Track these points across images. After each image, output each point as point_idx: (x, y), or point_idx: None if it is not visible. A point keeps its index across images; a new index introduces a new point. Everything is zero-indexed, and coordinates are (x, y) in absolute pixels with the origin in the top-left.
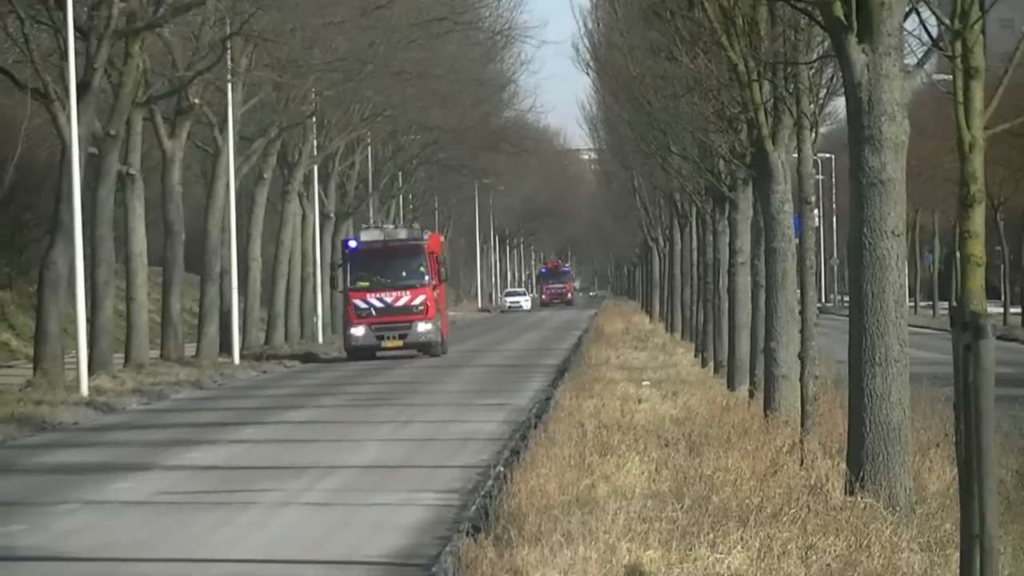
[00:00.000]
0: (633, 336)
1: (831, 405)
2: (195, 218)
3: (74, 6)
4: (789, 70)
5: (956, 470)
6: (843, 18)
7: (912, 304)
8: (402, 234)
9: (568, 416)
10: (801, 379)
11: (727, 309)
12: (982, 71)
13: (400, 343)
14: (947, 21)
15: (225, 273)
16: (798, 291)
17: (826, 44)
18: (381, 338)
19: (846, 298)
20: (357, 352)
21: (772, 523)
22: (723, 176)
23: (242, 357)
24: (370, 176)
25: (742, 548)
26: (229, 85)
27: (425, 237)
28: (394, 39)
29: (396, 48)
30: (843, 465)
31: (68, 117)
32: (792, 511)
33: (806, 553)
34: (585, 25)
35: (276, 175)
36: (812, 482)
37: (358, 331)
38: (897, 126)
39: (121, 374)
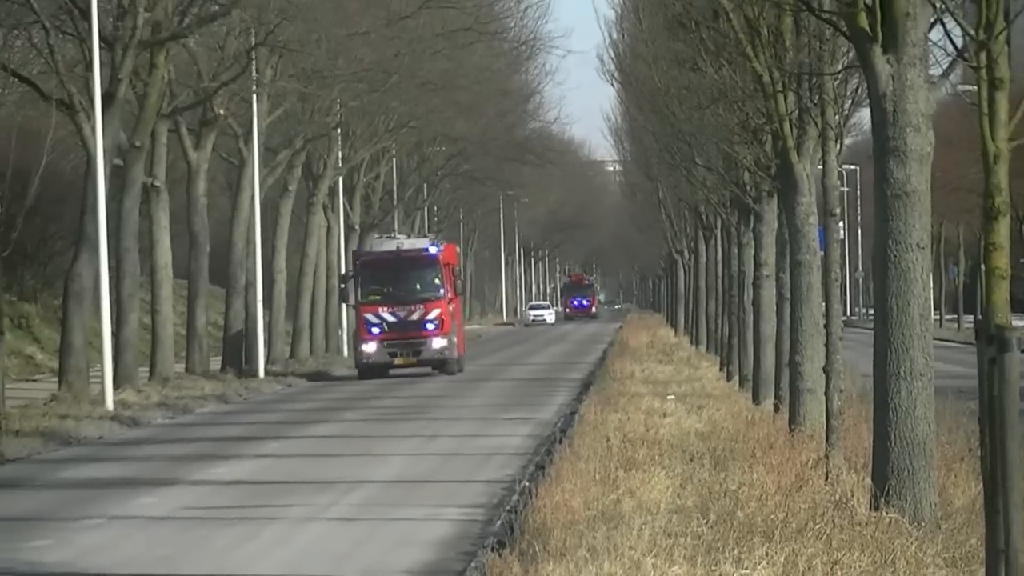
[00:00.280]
0: (658, 350)
1: (856, 419)
2: (220, 230)
3: (99, 16)
4: (814, 81)
5: (981, 485)
6: (868, 29)
7: (937, 317)
8: (416, 244)
9: (593, 430)
10: (826, 393)
11: (752, 322)
12: (1007, 82)
13: (414, 360)
14: (972, 32)
15: (250, 286)
16: (823, 304)
17: (851, 55)
18: (394, 355)
19: (871, 311)
20: (369, 370)
21: (797, 538)
22: (748, 188)
23: (266, 372)
24: (395, 188)
25: (767, 564)
26: (254, 96)
27: (440, 248)
28: (419, 50)
29: (421, 59)
30: (868, 480)
31: (93, 128)
32: (817, 526)
33: (831, 569)
34: (610, 35)
35: (301, 187)
36: (837, 497)
37: (369, 347)
38: (922, 137)
39: (146, 388)
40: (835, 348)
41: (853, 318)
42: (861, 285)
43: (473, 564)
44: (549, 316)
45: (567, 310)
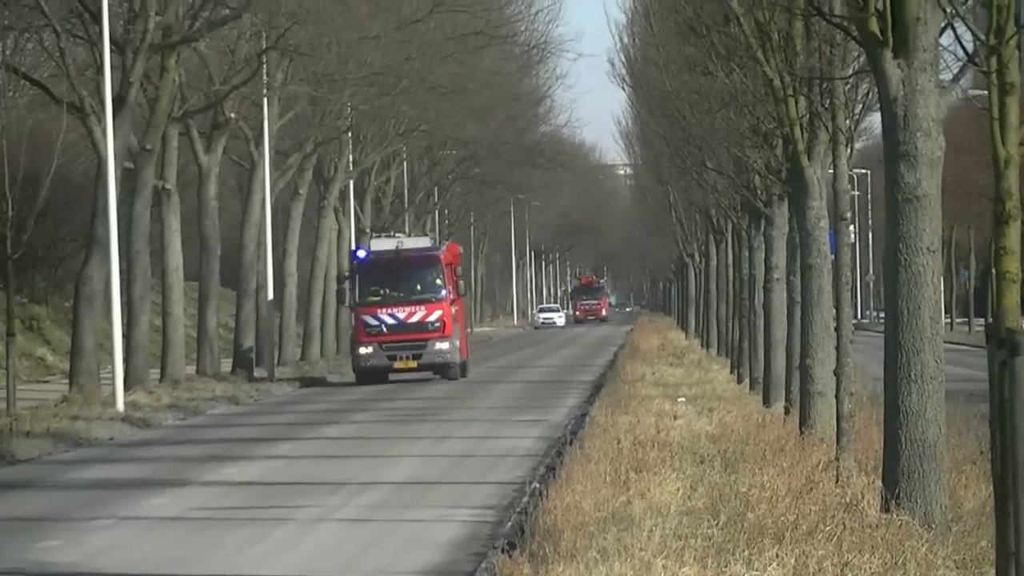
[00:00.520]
0: (669, 352)
1: (867, 422)
2: (231, 233)
3: (110, 20)
4: (824, 85)
5: (992, 487)
6: (879, 33)
7: (948, 321)
8: (416, 243)
9: (604, 432)
10: (837, 396)
11: (763, 325)
12: (1017, 87)
13: (414, 364)
14: (982, 36)
15: (261, 288)
16: (833, 307)
17: (861, 59)
18: (393, 359)
19: (881, 314)
20: (366, 374)
21: (807, 540)
22: (759, 192)
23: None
24: (406, 191)
25: (777, 566)
26: (265, 99)
27: (442, 247)
28: (430, 53)
29: (432, 63)
30: (879, 482)
31: (104, 131)
32: (827, 528)
33: (842, 571)
34: (621, 39)
35: (312, 190)
36: (847, 499)
37: (367, 351)
38: (932, 142)
39: (157, 389)
40: (846, 351)
41: (864, 321)
42: (872, 288)
43: (484, 565)
44: (559, 319)
45: (577, 313)
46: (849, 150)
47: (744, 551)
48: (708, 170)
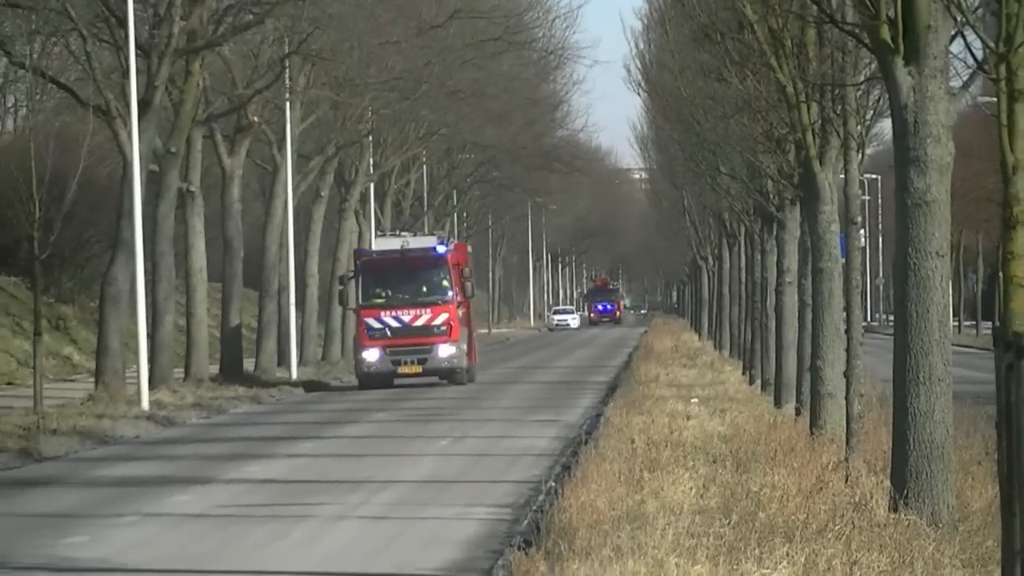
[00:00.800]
0: (682, 354)
1: (876, 423)
2: (254, 235)
3: (135, 25)
4: (836, 92)
5: (998, 487)
6: (890, 41)
7: (955, 324)
8: (422, 243)
9: (618, 432)
10: (847, 397)
11: (774, 328)
12: None
13: (419, 369)
14: (992, 44)
15: (283, 289)
16: (844, 310)
17: (873, 66)
18: (397, 363)
19: (891, 317)
20: (370, 379)
21: (817, 539)
22: (771, 196)
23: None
24: (425, 194)
25: (788, 564)
26: (287, 103)
27: (449, 246)
28: (449, 59)
29: (451, 68)
30: (887, 482)
31: (129, 134)
32: (837, 527)
33: (851, 569)
34: (636, 46)
35: (333, 193)
36: (857, 499)
37: (371, 355)
38: (942, 148)
39: (181, 388)
40: (855, 353)
41: (873, 324)
42: (881, 292)
43: (500, 563)
44: (573, 321)
45: (592, 315)
46: (860, 155)
47: (755, 549)
48: (722, 175)
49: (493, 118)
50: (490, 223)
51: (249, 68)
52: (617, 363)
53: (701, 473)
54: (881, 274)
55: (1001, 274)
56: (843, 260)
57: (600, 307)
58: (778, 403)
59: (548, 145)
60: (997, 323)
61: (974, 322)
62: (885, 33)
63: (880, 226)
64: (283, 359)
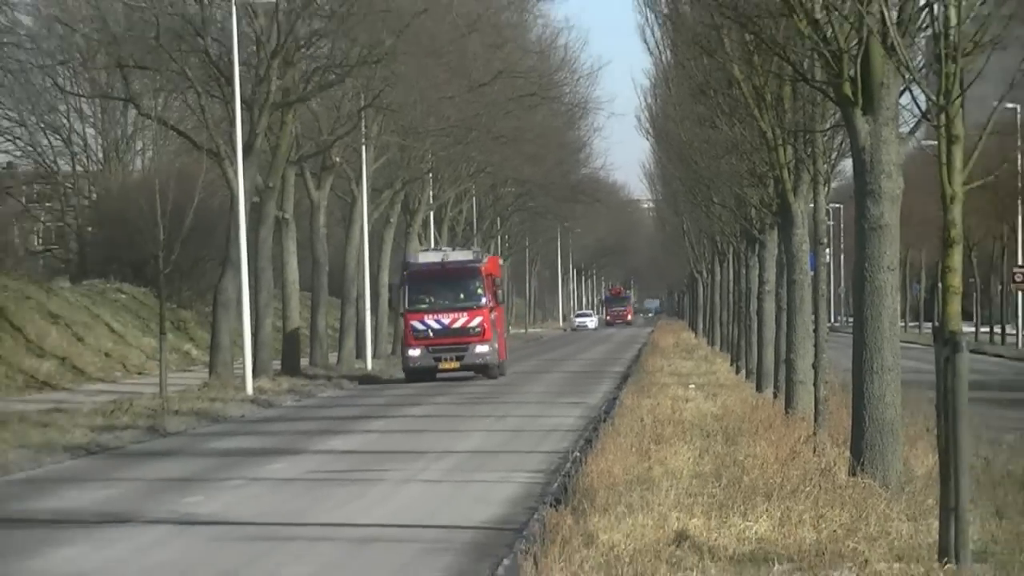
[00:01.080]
0: (682, 349)
1: (838, 405)
2: (336, 253)
3: (240, 83)
4: (807, 137)
5: (937, 457)
6: (851, 95)
7: (903, 324)
8: (460, 256)
9: (630, 412)
10: (815, 384)
11: (756, 328)
12: (961, 138)
13: (457, 364)
14: (934, 98)
15: (360, 297)
16: (812, 314)
17: (837, 116)
18: (438, 359)
19: (850, 319)
20: (415, 373)
21: (791, 498)
22: (754, 222)
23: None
24: (474, 220)
25: (767, 518)
26: (363, 147)
27: (484, 259)
28: (494, 110)
29: (495, 117)
30: (847, 453)
31: (236, 173)
32: (807, 489)
33: (817, 522)
34: (645, 100)
35: (400, 219)
36: (822, 466)
37: (415, 352)
38: (893, 182)
39: (278, 378)
40: (822, 348)
41: (836, 325)
42: (843, 298)
43: (536, 517)
44: (591, 322)
45: (607, 319)
46: (826, 189)
47: (741, 506)
48: (714, 204)
49: (529, 159)
50: (527, 243)
51: (332, 118)
52: (629, 356)
53: (697, 445)
54: (843, 284)
55: (940, 284)
56: (812, 273)
57: (614, 312)
58: (759, 388)
59: (574, 181)
60: (936, 324)
61: (918, 323)
62: (847, 89)
63: (842, 246)
64: (360, 354)
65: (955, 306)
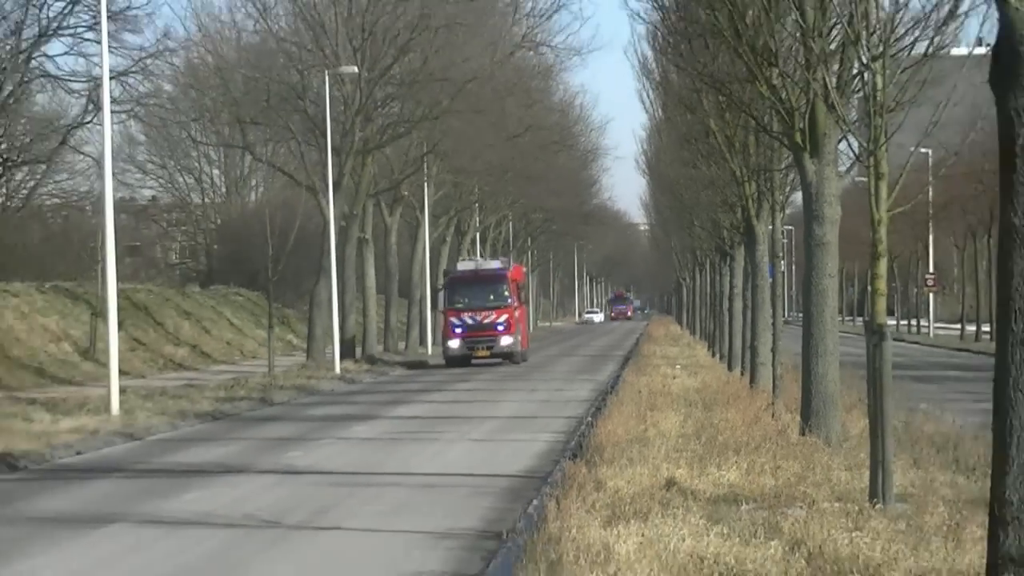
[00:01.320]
0: (670, 338)
1: (791, 381)
2: (404, 264)
3: (331, 134)
4: (767, 175)
5: (867, 421)
6: (801, 143)
7: (841, 319)
8: (490, 265)
9: (630, 387)
10: (772, 365)
11: (727, 321)
12: (886, 175)
13: (487, 352)
14: (865, 144)
15: (423, 299)
16: (771, 311)
17: (790, 159)
18: (472, 349)
19: (800, 315)
20: (453, 360)
21: (754, 452)
22: (726, 240)
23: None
24: (511, 240)
25: (736, 468)
26: (425, 184)
27: (510, 267)
28: (525, 155)
29: (526, 161)
30: (798, 418)
31: (327, 204)
32: (767, 446)
33: (775, 471)
34: (642, 147)
35: (453, 239)
36: (779, 428)
37: (454, 343)
38: (834, 209)
39: (360, 360)
40: (778, 337)
41: (788, 319)
42: (794, 299)
43: (558, 467)
44: (597, 318)
45: (612, 315)
46: (782, 215)
47: (716, 459)
48: (695, 227)
49: (553, 192)
50: (550, 257)
51: (401, 162)
52: (629, 344)
53: (682, 412)
54: (794, 288)
55: (869, 287)
56: (771, 280)
57: (617, 310)
58: (730, 368)
59: (586, 209)
60: (866, 318)
61: (852, 318)
62: (798, 138)
63: (794, 259)
64: (422, 342)
65: (881, 304)
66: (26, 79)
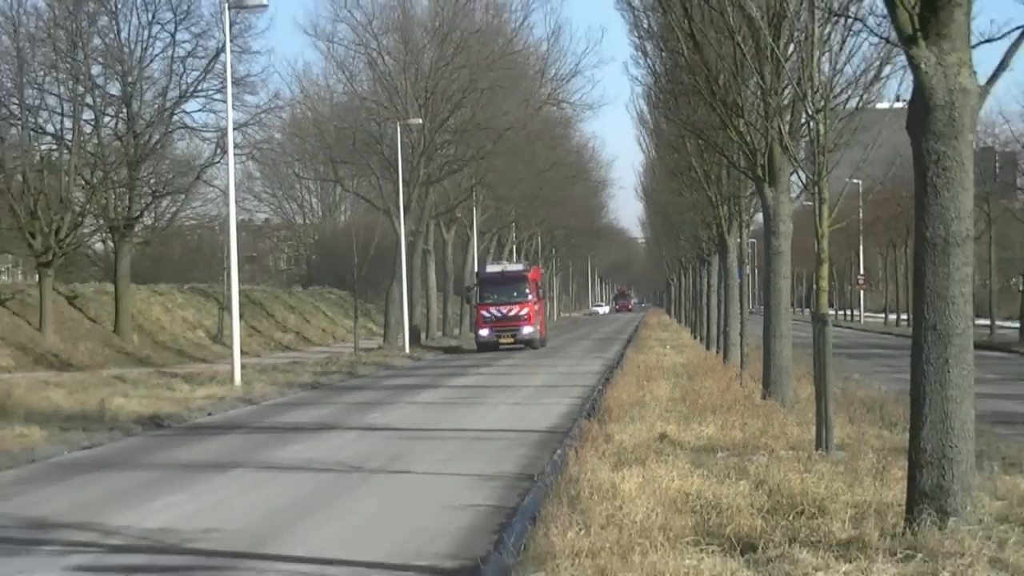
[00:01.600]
0: (662, 326)
1: (755, 358)
2: (458, 270)
3: (402, 170)
4: (736, 200)
5: (813, 387)
6: (762, 176)
7: (793, 310)
8: (514, 267)
9: (631, 362)
10: (740, 345)
11: (706, 312)
12: (828, 200)
13: (512, 340)
14: (811, 176)
15: (473, 296)
16: (739, 303)
17: (753, 188)
18: (499, 336)
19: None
20: (484, 345)
21: (727, 413)
22: (705, 250)
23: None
24: (539, 251)
25: (712, 424)
26: (474, 208)
27: (530, 269)
28: (551, 186)
29: (551, 190)
30: (761, 386)
31: (399, 224)
32: (737, 407)
33: (743, 427)
34: (640, 179)
35: (495, 250)
36: (746, 394)
37: (484, 332)
38: (787, 226)
39: (424, 343)
40: (744, 324)
41: (752, 310)
42: (757, 295)
43: (576, 425)
44: (602, 310)
45: (616, 308)
46: (747, 231)
47: (697, 418)
48: (680, 240)
49: (572, 213)
50: (570, 264)
51: (455, 191)
52: (630, 330)
53: (671, 382)
54: (756, 286)
55: (814, 286)
56: (739, 280)
57: (620, 303)
58: (708, 348)
59: (597, 227)
60: (812, 309)
61: (801, 309)
62: (759, 172)
63: (757, 264)
64: (472, 329)
65: (823, 299)
66: (169, 130)
